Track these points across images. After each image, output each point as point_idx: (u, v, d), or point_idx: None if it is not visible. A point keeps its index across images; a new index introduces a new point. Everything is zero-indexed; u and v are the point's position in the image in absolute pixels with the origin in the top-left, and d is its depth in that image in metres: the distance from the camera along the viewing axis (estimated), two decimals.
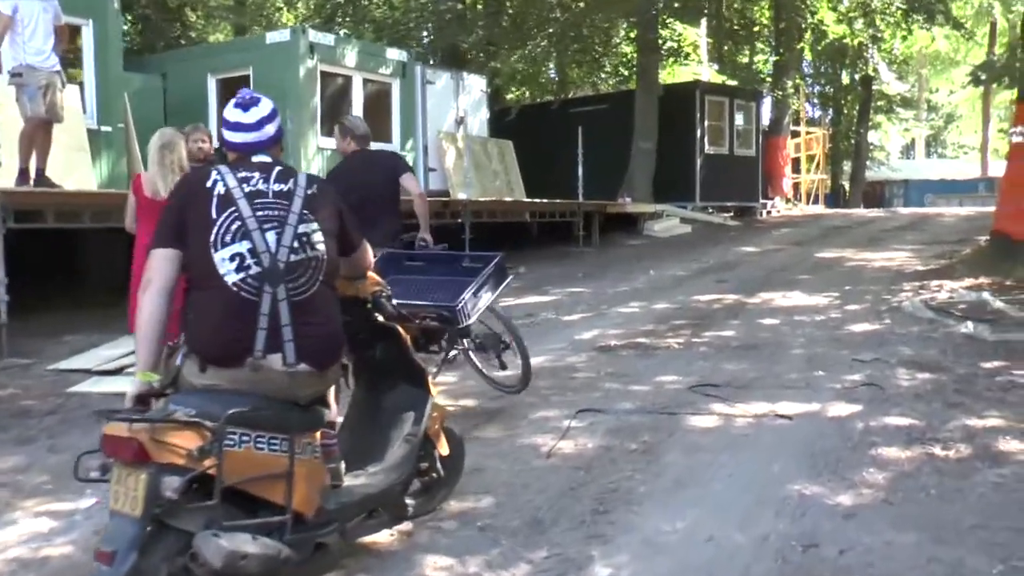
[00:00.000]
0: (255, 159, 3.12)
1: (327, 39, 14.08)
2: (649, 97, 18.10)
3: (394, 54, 15.21)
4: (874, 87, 30.05)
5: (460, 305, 3.59)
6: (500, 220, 14.35)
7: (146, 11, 17.24)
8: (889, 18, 21.22)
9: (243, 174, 3.04)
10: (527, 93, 25.62)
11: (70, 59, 10.59)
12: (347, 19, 24.22)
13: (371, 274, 3.45)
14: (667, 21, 19.05)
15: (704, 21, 20.67)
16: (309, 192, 3.07)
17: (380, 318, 3.47)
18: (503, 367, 6.15)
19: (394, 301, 3.61)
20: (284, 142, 3.26)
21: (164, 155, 5.74)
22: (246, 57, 13.78)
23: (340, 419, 3.75)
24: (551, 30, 17.45)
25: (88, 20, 10.54)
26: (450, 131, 15.99)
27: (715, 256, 14.00)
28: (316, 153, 13.42)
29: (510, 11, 21.13)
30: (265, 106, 3.17)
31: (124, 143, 11.04)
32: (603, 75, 23.04)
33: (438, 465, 3.79)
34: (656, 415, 5.41)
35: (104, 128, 10.78)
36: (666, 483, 4.32)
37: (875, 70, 27.69)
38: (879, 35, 23.03)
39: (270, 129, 3.15)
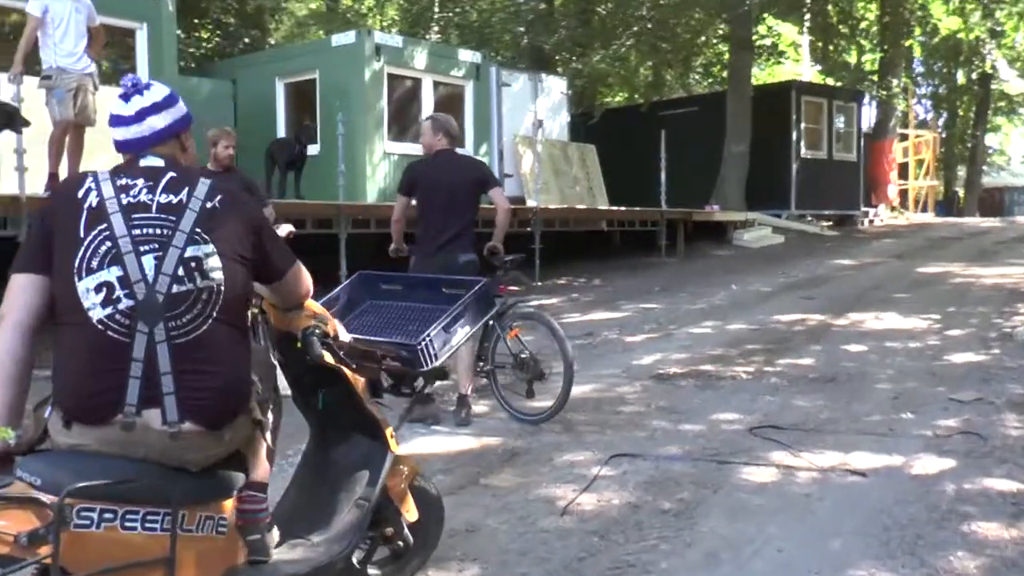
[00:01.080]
0: (143, 162, 2.49)
1: (395, 40, 13.63)
2: (741, 98, 17.05)
3: (467, 55, 14.65)
4: (993, 86, 27.99)
5: (422, 344, 2.90)
6: (575, 229, 13.61)
7: (222, 17, 17.16)
8: (1010, 9, 19.42)
9: (124, 181, 2.41)
10: (615, 96, 24.80)
11: (124, 62, 10.44)
12: (431, 24, 23.91)
13: (310, 304, 2.79)
14: (763, 18, 17.92)
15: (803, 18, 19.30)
16: (208, 205, 2.41)
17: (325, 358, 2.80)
18: (530, 395, 5.52)
19: (346, 336, 2.94)
20: (185, 139, 2.60)
21: None
22: (312, 60, 13.45)
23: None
24: (637, 28, 16.55)
25: (142, 24, 10.35)
26: (527, 135, 15.30)
27: (805, 269, 12.90)
28: (382, 158, 12.97)
29: (599, 9, 20.36)
30: (153, 94, 2.53)
31: None
32: (695, 76, 21.98)
33: (405, 532, 3.11)
34: (703, 463, 4.60)
35: None
36: (696, 557, 3.51)
37: (993, 67, 25.70)
38: (998, 29, 21.20)
39: (155, 122, 2.51)
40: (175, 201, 2.40)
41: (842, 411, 5.51)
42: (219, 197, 2.44)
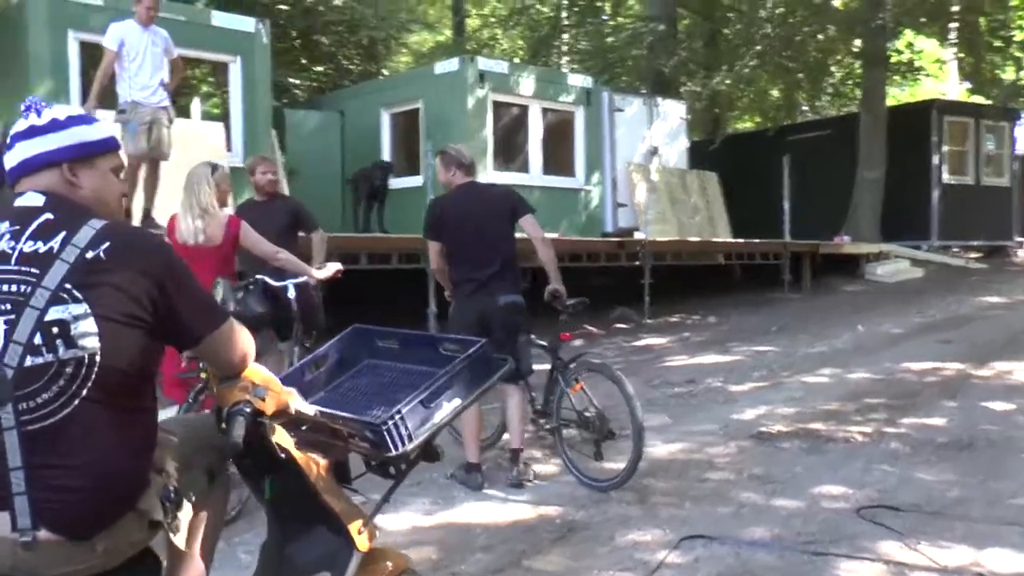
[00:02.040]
0: (19, 201, 2.00)
1: (500, 66, 13.20)
2: (875, 119, 15.76)
3: (577, 80, 14.09)
4: None
5: (389, 424, 2.31)
6: (689, 263, 12.76)
7: (331, 49, 17.21)
8: None
9: None
10: (743, 121, 23.71)
11: (219, 95, 10.40)
12: (552, 51, 23.53)
13: (250, 372, 2.24)
14: (900, 32, 16.59)
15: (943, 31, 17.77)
16: (89, 255, 1.89)
17: (268, 441, 2.25)
18: (598, 457, 4.84)
19: (308, 410, 2.38)
20: (72, 170, 2.07)
21: (186, 196, 4.88)
22: (416, 89, 13.18)
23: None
24: (760, 47, 15.56)
25: (236, 57, 10.25)
26: (642, 163, 14.58)
27: (945, 308, 11.56)
28: None
29: (724, 30, 19.44)
30: (44, 115, 2.05)
31: None
32: (825, 97, 20.67)
33: None
34: (793, 553, 3.80)
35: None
36: None
37: None
38: None
39: (25, 149, 2.03)
40: (43, 250, 1.89)
41: (978, 490, 4.57)
42: (106, 244, 1.91)
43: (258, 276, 5.46)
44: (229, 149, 10.29)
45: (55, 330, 1.82)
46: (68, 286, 1.85)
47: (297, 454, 2.36)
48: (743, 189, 16.18)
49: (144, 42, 7.22)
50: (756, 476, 4.93)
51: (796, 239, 13.51)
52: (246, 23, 10.42)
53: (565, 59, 23.59)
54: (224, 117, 10.59)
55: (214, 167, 4.98)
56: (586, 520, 4.36)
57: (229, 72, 10.45)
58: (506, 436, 5.28)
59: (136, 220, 7.51)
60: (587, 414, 4.93)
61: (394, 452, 2.34)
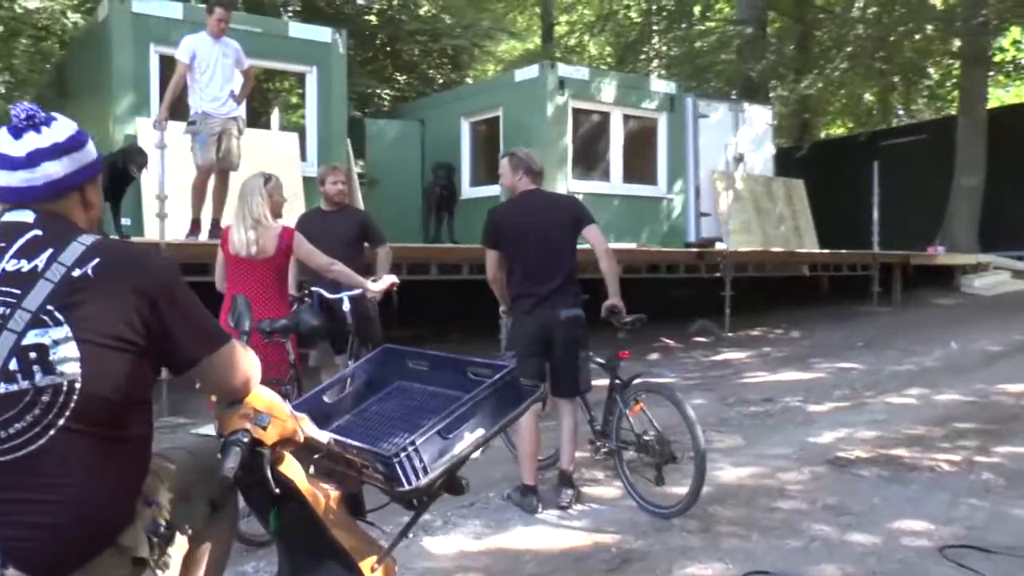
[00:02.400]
0: (7, 216, 1.92)
1: (580, 73, 12.99)
2: (974, 123, 14.98)
3: (660, 86, 13.79)
4: None
5: (401, 456, 2.15)
6: (773, 274, 12.31)
7: (414, 58, 17.26)
8: None
9: None
10: (834, 127, 22.93)
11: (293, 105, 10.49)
12: (640, 57, 23.21)
13: (254, 398, 2.11)
14: (1006, 30, 15.74)
15: None
16: (76, 273, 1.80)
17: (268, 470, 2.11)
18: (659, 482, 4.60)
19: (322, 437, 2.25)
20: (90, 192, 2.00)
21: (239, 207, 4.84)
22: (495, 97, 13.07)
23: None
24: (851, 49, 14.95)
25: (311, 67, 10.33)
26: (726, 170, 14.16)
27: None
28: None
29: (815, 32, 18.81)
30: (55, 132, 1.94)
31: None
32: (921, 99, 19.80)
33: None
34: None
35: None
36: None
37: None
38: None
39: (52, 169, 1.93)
40: (27, 269, 1.80)
41: None
42: (95, 261, 1.82)
43: (313, 288, 5.43)
44: (304, 159, 10.38)
45: (33, 355, 1.73)
46: (50, 307, 1.76)
47: (303, 485, 2.22)
48: (831, 197, 15.58)
49: (215, 54, 7.30)
50: (830, 506, 4.61)
51: (887, 249, 12.90)
52: (322, 33, 10.49)
53: (653, 64, 23.23)
54: (300, 127, 10.68)
55: (267, 178, 4.92)
56: (644, 550, 4.13)
57: (305, 82, 10.54)
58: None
59: (205, 230, 7.60)
60: (646, 437, 4.70)
61: (407, 487, 2.19)
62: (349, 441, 2.35)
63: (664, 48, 23.51)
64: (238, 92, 7.60)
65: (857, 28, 15.19)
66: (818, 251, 13.03)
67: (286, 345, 4.69)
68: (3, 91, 15.52)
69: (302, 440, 2.23)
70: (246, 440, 2.03)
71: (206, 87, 7.30)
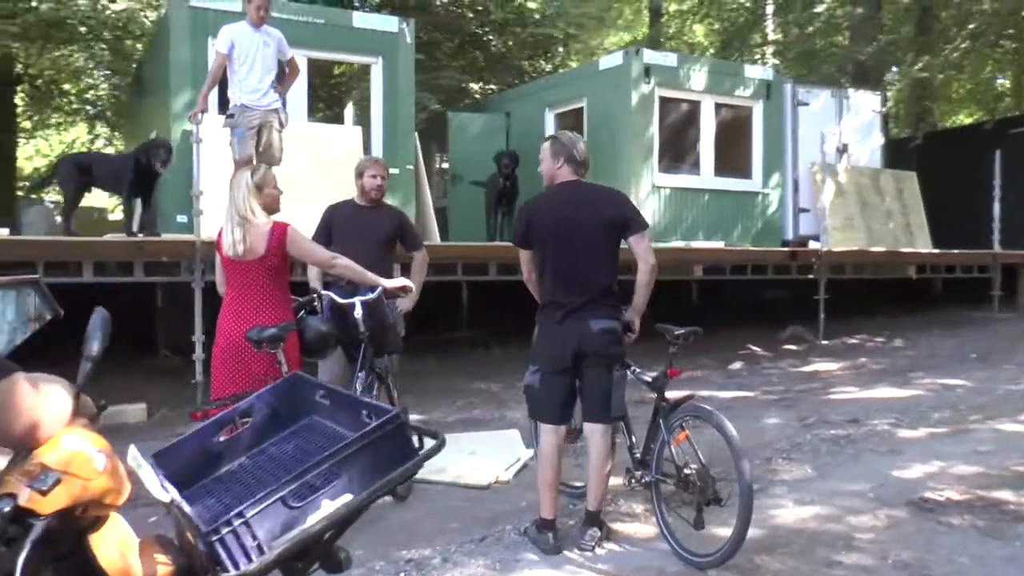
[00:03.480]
0: None
1: (668, 59, 12.17)
2: None
3: (755, 72, 12.82)
4: None
5: (223, 532, 1.60)
6: (875, 276, 11.23)
7: (501, 50, 16.73)
8: None
9: None
10: (959, 116, 21.21)
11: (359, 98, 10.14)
12: (746, 43, 22.03)
13: (53, 445, 1.60)
14: None
15: None
16: None
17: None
18: (699, 525, 3.91)
19: (168, 496, 1.73)
20: None
21: (228, 204, 4.40)
22: (580, 87, 12.43)
23: None
24: (974, 26, 13.55)
25: (377, 58, 9.94)
26: (828, 162, 13.09)
27: None
28: (651, 192, 11.55)
29: (936, 13, 17.33)
30: None
31: (414, 186, 10.18)
32: None
33: None
34: None
35: (391, 170, 9.97)
36: None
37: None
38: None
39: None
40: None
41: None
42: None
43: (324, 292, 4.95)
44: (368, 153, 9.99)
45: None
46: None
47: (112, 563, 1.69)
48: (948, 191, 14.24)
49: (255, 44, 6.95)
50: (903, 564, 3.84)
51: (1010, 248, 11.59)
52: (389, 23, 10.09)
53: (759, 50, 22.05)
54: (366, 121, 10.33)
55: (254, 169, 4.47)
56: None
57: (371, 74, 10.16)
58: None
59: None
60: (687, 471, 4.02)
61: (231, 572, 1.64)
62: (186, 508, 1.81)
63: (773, 35, 22.31)
64: (281, 84, 7.24)
65: (983, 2, 13.77)
66: (925, 251, 11.84)
67: (278, 356, 4.21)
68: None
69: (120, 502, 1.71)
70: (7, 509, 1.52)
71: (245, 78, 6.95)
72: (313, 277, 5.30)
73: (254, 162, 7.13)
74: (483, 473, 5.40)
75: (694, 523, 4.01)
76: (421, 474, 5.39)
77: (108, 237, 7.33)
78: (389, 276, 4.98)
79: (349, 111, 11.73)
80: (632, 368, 4.40)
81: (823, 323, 10.00)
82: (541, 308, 4.30)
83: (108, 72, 15.32)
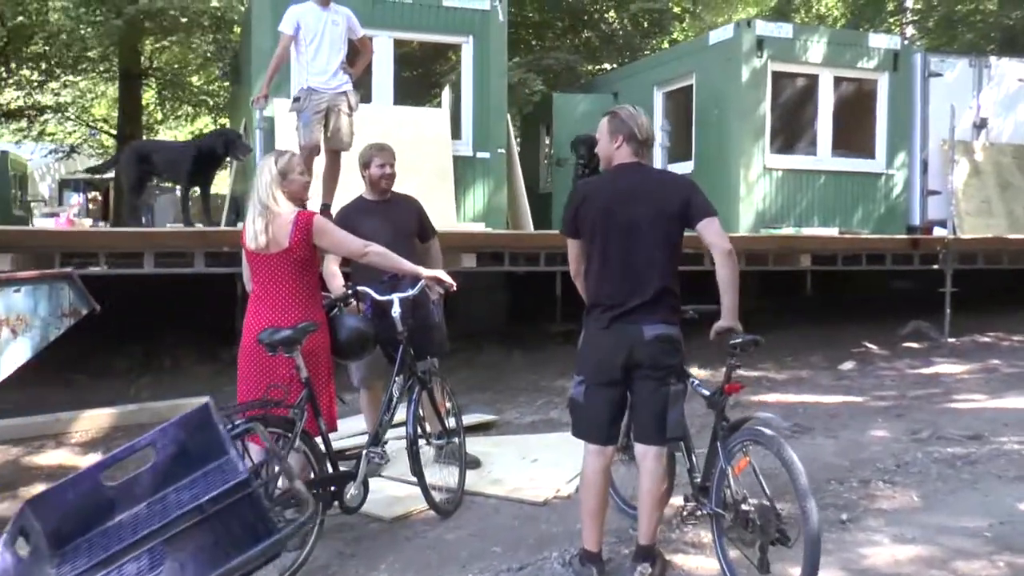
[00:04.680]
0: None
1: (782, 30, 11.23)
2: None
3: (880, 41, 11.72)
4: None
5: None
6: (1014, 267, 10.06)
7: (610, 28, 16.03)
8: None
9: None
10: None
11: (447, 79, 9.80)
12: (879, 15, 20.48)
13: None
14: None
15: None
16: None
17: None
18: (763, 568, 3.34)
19: None
20: None
21: (252, 191, 4.06)
22: (688, 64, 11.69)
23: None
24: None
25: (467, 37, 9.58)
26: (963, 139, 11.86)
27: None
28: (761, 175, 10.74)
29: None
30: None
31: (506, 171, 9.75)
32: None
33: None
34: None
35: (480, 154, 9.62)
36: None
37: None
38: None
39: None
40: None
41: None
42: None
43: (360, 287, 4.54)
44: (458, 137, 9.66)
45: None
46: None
47: None
48: None
49: (322, 23, 6.65)
50: None
51: None
52: (480, 0, 9.66)
53: (895, 19, 20.47)
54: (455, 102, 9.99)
55: (279, 154, 4.11)
56: None
57: (461, 54, 9.80)
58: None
59: None
60: (745, 507, 3.43)
61: None
62: None
63: (910, 2, 20.66)
64: (354, 67, 6.92)
65: None
66: None
67: (296, 360, 3.84)
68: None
69: None
70: None
71: (312, 60, 6.67)
72: (330, 274, 4.82)
73: (321, 149, 6.86)
74: (541, 487, 4.93)
75: (758, 565, 3.42)
76: (475, 484, 5.07)
77: (168, 228, 7.21)
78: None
79: (446, 95, 11.39)
80: (692, 381, 3.83)
81: (949, 319, 8.99)
82: (587, 310, 3.77)
83: (220, 63, 15.58)
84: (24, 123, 19.06)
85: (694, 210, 3.63)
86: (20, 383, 7.42)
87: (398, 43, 9.62)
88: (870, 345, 8.88)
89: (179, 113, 21.38)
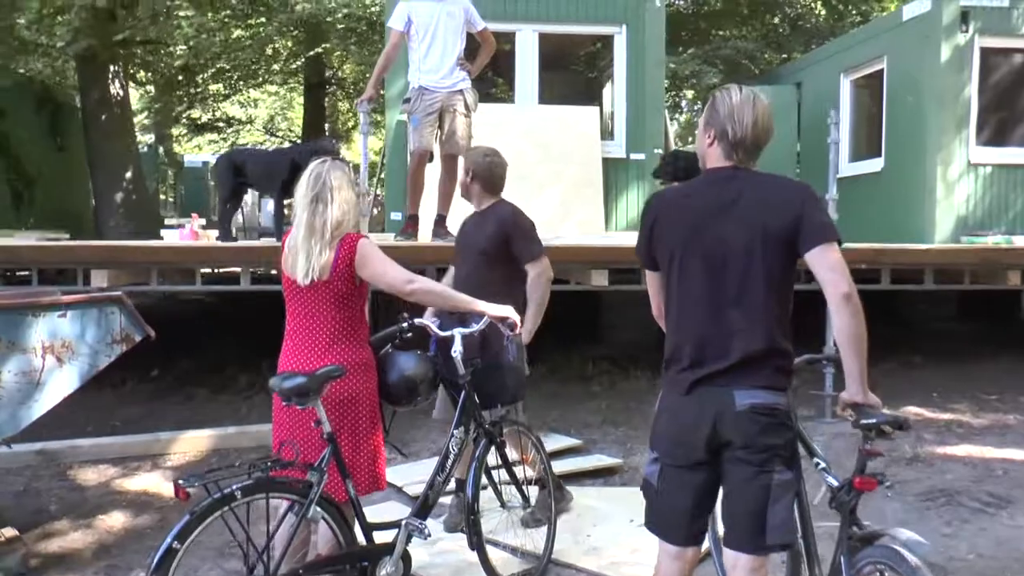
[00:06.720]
0: None
1: (996, 0, 9.57)
2: None
3: None
4: None
5: None
6: None
7: (796, 12, 14.60)
8: None
9: None
10: None
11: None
12: None
13: None
14: None
15: None
16: None
17: None
18: None
19: None
20: None
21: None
22: (879, 45, 10.28)
23: None
24: None
25: (621, 27, 8.90)
26: None
27: None
28: (965, 172, 9.21)
29: None
30: None
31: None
32: None
33: None
34: None
35: (634, 156, 8.80)
36: None
37: None
38: None
39: None
40: None
41: None
42: None
43: (416, 320, 3.81)
44: (611, 136, 8.88)
45: None
46: None
47: None
48: None
49: (436, 16, 6.09)
50: None
51: None
52: None
53: None
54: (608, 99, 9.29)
55: (335, 165, 3.46)
56: None
57: (615, 43, 9.04)
58: None
59: (427, 227, 6.42)
60: None
61: None
62: None
63: None
64: (474, 62, 6.30)
65: None
66: None
67: (317, 412, 3.19)
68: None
69: None
70: None
71: (425, 57, 6.14)
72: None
73: (434, 154, 6.27)
74: (643, 563, 4.02)
75: None
76: (566, 550, 4.22)
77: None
78: (503, 301, 3.74)
79: (608, 91, 10.66)
80: (817, 463, 2.85)
81: None
82: (665, 364, 2.86)
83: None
84: (216, 135, 20.04)
85: (806, 230, 2.59)
86: (143, 397, 7.43)
87: (543, 37, 8.97)
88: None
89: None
